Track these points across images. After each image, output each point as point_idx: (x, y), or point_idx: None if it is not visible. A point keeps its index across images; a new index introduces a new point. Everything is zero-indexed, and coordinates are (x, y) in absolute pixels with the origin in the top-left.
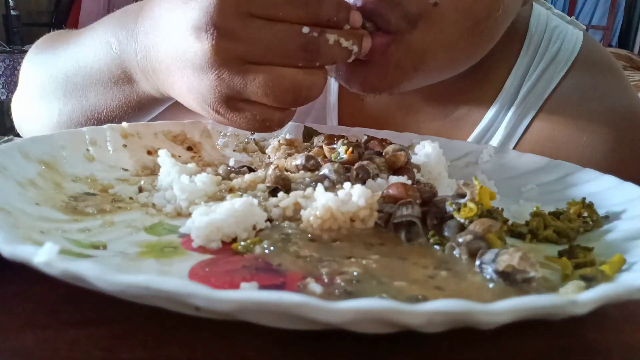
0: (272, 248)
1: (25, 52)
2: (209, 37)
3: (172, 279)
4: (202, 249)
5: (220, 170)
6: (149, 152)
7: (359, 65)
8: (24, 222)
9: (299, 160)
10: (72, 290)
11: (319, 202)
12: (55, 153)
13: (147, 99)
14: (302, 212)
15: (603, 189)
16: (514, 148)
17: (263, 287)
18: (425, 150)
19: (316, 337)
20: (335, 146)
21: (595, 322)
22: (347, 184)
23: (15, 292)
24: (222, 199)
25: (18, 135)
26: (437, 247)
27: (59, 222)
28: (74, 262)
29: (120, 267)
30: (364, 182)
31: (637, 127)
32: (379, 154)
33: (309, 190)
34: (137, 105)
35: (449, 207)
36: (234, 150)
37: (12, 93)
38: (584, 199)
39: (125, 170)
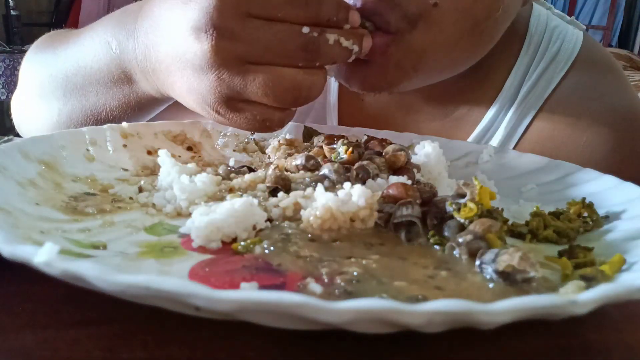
0: (272, 248)
1: (25, 52)
2: (208, 37)
3: (172, 279)
4: (202, 249)
5: (220, 170)
6: (149, 152)
7: (359, 64)
8: (24, 222)
9: (299, 160)
10: (72, 290)
11: (319, 202)
12: (55, 153)
13: (146, 99)
14: (302, 212)
15: (603, 189)
16: (514, 148)
17: (263, 287)
18: (425, 150)
19: (316, 337)
20: (335, 146)
21: (595, 322)
22: (347, 184)
23: (15, 292)
24: (222, 199)
25: (18, 135)
26: (437, 247)
27: (59, 222)
28: (74, 262)
29: (120, 267)
30: (364, 182)
31: (637, 127)
32: (379, 154)
33: (309, 190)
34: (136, 105)
35: (449, 207)
36: (234, 150)
37: (12, 93)
38: (584, 199)
39: (125, 170)
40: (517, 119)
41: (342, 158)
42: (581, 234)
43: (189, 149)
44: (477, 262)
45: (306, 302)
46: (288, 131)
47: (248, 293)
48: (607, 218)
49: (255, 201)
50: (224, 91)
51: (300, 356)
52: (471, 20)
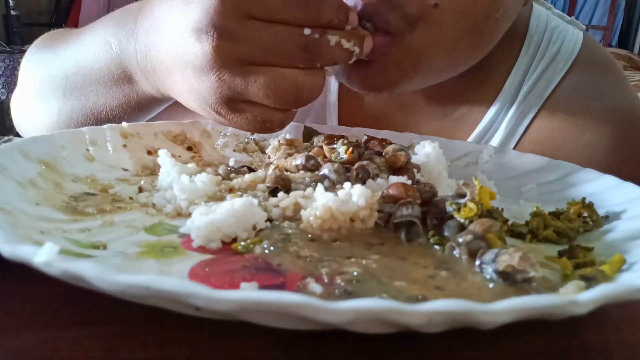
0: (272, 248)
1: (25, 52)
2: (209, 38)
3: (172, 279)
4: (202, 249)
5: (220, 170)
6: (149, 152)
7: (359, 64)
8: (24, 222)
9: (299, 160)
10: (72, 290)
11: (319, 202)
12: (55, 153)
13: (146, 99)
14: (302, 212)
15: (603, 189)
16: (514, 148)
17: (263, 287)
18: (425, 150)
19: (316, 337)
20: (335, 146)
21: (595, 322)
22: (347, 184)
23: (15, 292)
24: (222, 199)
25: (18, 135)
26: (437, 247)
27: (59, 222)
28: (74, 262)
29: (120, 267)
30: (364, 182)
31: (637, 127)
32: (379, 154)
33: (309, 190)
34: (136, 105)
35: (449, 207)
36: (234, 150)
37: (12, 93)
38: (584, 199)
39: (125, 170)
40: (517, 119)
41: (342, 158)
42: (581, 234)
43: (189, 149)
44: (477, 262)
45: (306, 302)
46: (288, 131)
47: (248, 293)
48: (607, 218)
49: (255, 201)
50: (225, 92)
51: (300, 356)
52: (471, 20)
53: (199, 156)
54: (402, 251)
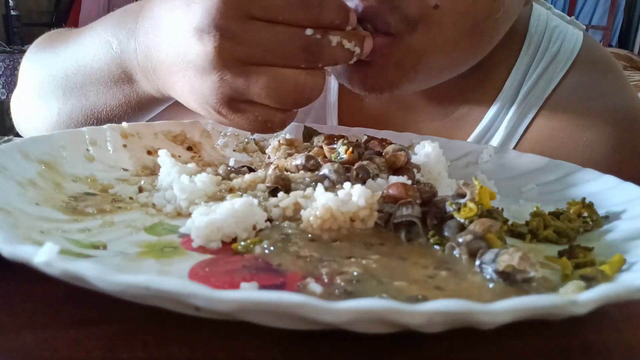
0: (272, 248)
1: (25, 52)
2: (211, 39)
3: (172, 279)
4: (202, 249)
5: (220, 170)
6: (149, 152)
7: (359, 65)
8: (24, 222)
9: (299, 160)
10: (72, 290)
11: (319, 202)
12: (55, 153)
13: (147, 99)
14: (302, 212)
15: (603, 189)
16: (514, 148)
17: (263, 287)
18: (425, 150)
19: (316, 337)
20: (335, 146)
21: (595, 322)
22: (347, 184)
23: (15, 292)
24: (222, 199)
25: (18, 135)
26: (437, 247)
27: (59, 222)
28: (74, 262)
29: (120, 267)
30: (364, 182)
31: (637, 127)
32: (379, 154)
33: (309, 190)
34: (137, 104)
35: (449, 207)
36: (234, 150)
37: (12, 93)
38: (584, 199)
39: (125, 170)
40: (517, 119)
41: (342, 158)
42: (581, 234)
43: (189, 149)
44: (477, 262)
45: (306, 302)
46: (288, 131)
47: (248, 293)
48: (607, 218)
49: (255, 201)
50: (226, 92)
51: (300, 356)
52: (471, 20)
53: (199, 156)
54: (402, 251)
